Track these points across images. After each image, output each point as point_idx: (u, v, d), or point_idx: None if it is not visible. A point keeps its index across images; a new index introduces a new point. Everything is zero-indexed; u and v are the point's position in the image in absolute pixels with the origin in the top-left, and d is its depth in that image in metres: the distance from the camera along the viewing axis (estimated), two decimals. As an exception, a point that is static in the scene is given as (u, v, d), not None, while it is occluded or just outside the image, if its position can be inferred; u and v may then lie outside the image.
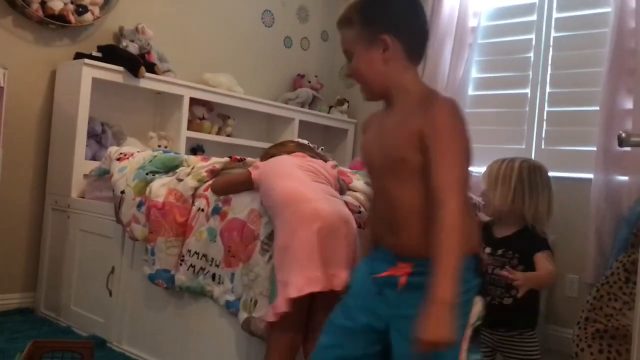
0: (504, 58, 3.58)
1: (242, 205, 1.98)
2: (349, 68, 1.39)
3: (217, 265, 1.99)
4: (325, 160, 2.11)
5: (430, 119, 1.23)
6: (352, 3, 1.38)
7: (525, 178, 1.91)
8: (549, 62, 3.39)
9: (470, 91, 3.68)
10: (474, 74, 3.68)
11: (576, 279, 3.18)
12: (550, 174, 3.32)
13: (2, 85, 2.42)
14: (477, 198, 2.20)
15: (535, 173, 1.94)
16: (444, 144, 1.21)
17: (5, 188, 2.64)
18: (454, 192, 1.18)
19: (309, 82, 4.17)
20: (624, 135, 1.14)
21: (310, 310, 1.70)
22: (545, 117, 3.39)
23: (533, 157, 3.40)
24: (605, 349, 2.77)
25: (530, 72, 3.45)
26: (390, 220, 1.32)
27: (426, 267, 1.17)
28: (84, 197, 2.80)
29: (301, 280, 1.59)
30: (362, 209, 2.08)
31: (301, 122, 3.94)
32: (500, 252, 1.90)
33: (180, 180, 2.19)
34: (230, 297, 1.91)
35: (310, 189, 1.76)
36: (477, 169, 3.51)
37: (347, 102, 4.29)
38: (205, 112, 3.51)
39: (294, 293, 1.58)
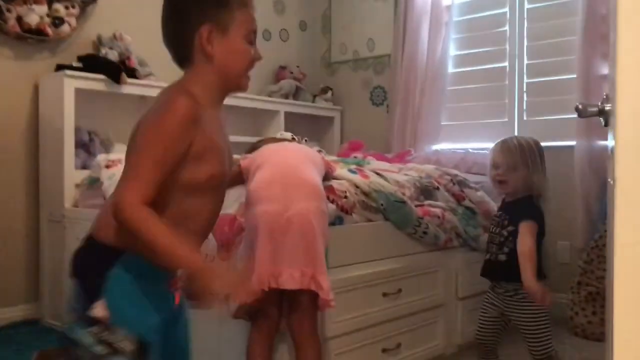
0: (480, 34, 3.63)
1: (230, 200, 2.02)
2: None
3: (211, 260, 2.04)
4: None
5: None
6: None
7: (537, 157, 2.05)
8: (525, 34, 3.44)
9: (450, 69, 3.72)
10: (453, 51, 3.72)
11: (567, 245, 3.25)
12: (534, 144, 3.41)
13: (-15, 103, 2.45)
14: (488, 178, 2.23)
15: (539, 148, 2.08)
16: None
17: (0, 204, 2.69)
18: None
19: (291, 73, 4.21)
20: (581, 107, 1.18)
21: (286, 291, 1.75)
22: (525, 89, 3.44)
23: (516, 128, 3.46)
24: (598, 311, 2.84)
25: (507, 46, 3.50)
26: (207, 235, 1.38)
27: None
28: (77, 207, 2.85)
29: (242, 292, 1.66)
30: (347, 194, 2.13)
31: (286, 113, 3.98)
32: (499, 213, 2.10)
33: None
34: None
35: (274, 185, 1.77)
36: (464, 146, 3.58)
37: (331, 89, 4.33)
38: (191, 112, 3.54)
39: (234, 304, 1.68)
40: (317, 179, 1.86)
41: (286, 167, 1.84)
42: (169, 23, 1.31)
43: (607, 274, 1.20)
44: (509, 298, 2.01)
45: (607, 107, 1.12)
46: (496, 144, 2.11)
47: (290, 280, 1.67)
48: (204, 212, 1.29)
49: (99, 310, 1.15)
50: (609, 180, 1.32)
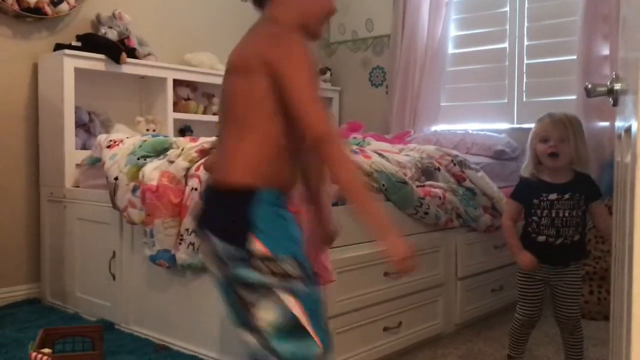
0: (480, 14, 3.62)
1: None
2: None
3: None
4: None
5: None
6: None
7: (581, 130, 2.07)
8: (525, 14, 3.43)
9: (451, 49, 3.71)
10: (453, 32, 3.71)
11: (564, 225, 3.27)
12: (533, 125, 3.42)
13: (-14, 83, 2.44)
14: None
15: (580, 123, 2.09)
16: None
17: (0, 184, 2.69)
18: None
19: (290, 53, 4.18)
20: (590, 86, 1.19)
21: None
22: (525, 70, 3.44)
23: (515, 110, 3.47)
24: (595, 290, 2.88)
25: (507, 26, 3.49)
26: None
27: None
28: (78, 187, 2.85)
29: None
30: (350, 175, 2.14)
31: (286, 94, 3.96)
32: (567, 195, 2.04)
33: (171, 162, 2.24)
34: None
35: None
36: (463, 127, 3.58)
37: (330, 70, 4.32)
38: (190, 92, 3.54)
39: None
40: None
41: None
42: None
43: (616, 252, 1.21)
44: (561, 272, 2.06)
45: (617, 86, 1.13)
46: (543, 118, 2.10)
47: None
48: (299, 137, 1.29)
49: (255, 245, 1.18)
50: (617, 159, 1.33)
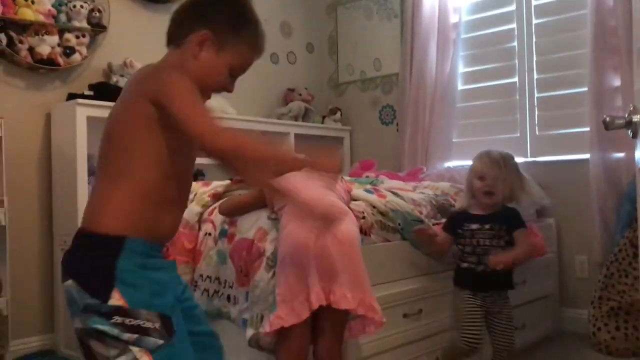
0: (488, 50, 3.63)
1: (248, 225, 2.01)
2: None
3: (230, 287, 2.02)
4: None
5: None
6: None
7: (516, 168, 2.24)
8: (533, 48, 3.43)
9: (460, 86, 3.72)
10: (462, 68, 3.72)
11: (585, 259, 3.21)
12: (547, 158, 3.40)
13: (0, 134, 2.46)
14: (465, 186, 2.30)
15: (514, 161, 2.26)
16: None
17: (13, 234, 2.68)
18: None
19: (300, 95, 4.22)
20: (608, 119, 1.17)
21: (316, 315, 1.72)
22: (536, 104, 3.43)
23: (528, 143, 3.45)
24: (621, 326, 2.79)
25: (516, 61, 3.49)
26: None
27: None
28: (91, 235, 2.83)
29: (283, 310, 1.68)
30: (365, 215, 2.12)
31: (296, 135, 3.98)
32: (488, 226, 2.17)
33: (184, 207, 2.22)
34: (247, 315, 1.94)
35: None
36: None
37: (340, 110, 4.33)
38: (201, 136, 3.55)
39: (275, 324, 1.68)
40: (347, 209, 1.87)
41: (321, 196, 1.83)
42: (187, 6, 1.37)
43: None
44: (496, 300, 2.18)
45: (636, 118, 1.11)
46: (480, 156, 2.24)
47: (343, 300, 1.65)
48: (183, 181, 1.33)
49: (116, 298, 1.15)
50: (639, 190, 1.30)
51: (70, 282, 1.19)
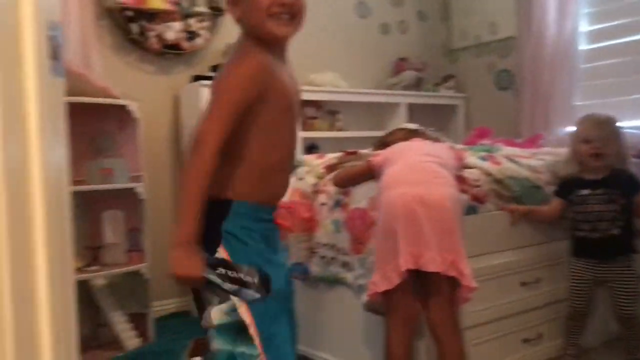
0: (615, 6, 3.38)
1: (361, 195, 2.08)
2: None
3: (345, 254, 2.11)
4: (439, 141, 2.16)
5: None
6: None
7: (620, 131, 2.18)
8: (666, 0, 3.15)
9: (583, 45, 3.50)
10: (585, 26, 3.50)
11: None
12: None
13: (136, 116, 2.70)
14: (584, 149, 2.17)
15: (619, 126, 2.18)
16: None
17: (151, 207, 2.93)
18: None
19: (412, 64, 4.18)
20: None
21: (424, 280, 1.74)
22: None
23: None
24: None
25: (647, 15, 3.23)
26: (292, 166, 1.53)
27: None
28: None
29: (377, 276, 1.73)
30: (479, 183, 2.10)
31: (409, 105, 3.97)
32: (600, 190, 2.10)
33: (301, 179, 2.33)
34: (363, 281, 2.02)
35: (411, 172, 1.81)
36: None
37: (454, 77, 4.25)
38: (315, 111, 3.66)
39: (371, 290, 1.75)
40: (447, 172, 1.86)
41: (417, 162, 1.85)
42: None
43: None
44: (610, 268, 2.10)
45: None
46: (584, 119, 2.21)
47: (431, 262, 1.65)
48: (284, 146, 1.42)
49: (220, 252, 1.32)
50: None
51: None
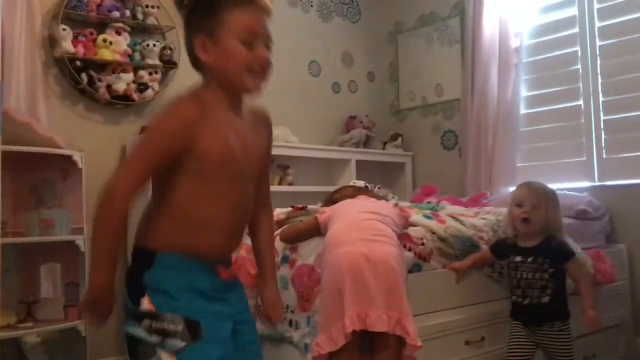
0: (551, 73, 3.58)
1: (309, 251, 2.07)
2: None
3: (292, 312, 2.08)
4: (385, 199, 2.20)
5: (270, 134, 1.51)
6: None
7: (556, 200, 2.24)
8: (598, 71, 3.36)
9: (523, 110, 3.68)
10: (524, 92, 3.69)
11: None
12: (616, 182, 3.30)
13: (80, 166, 2.65)
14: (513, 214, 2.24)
15: (555, 194, 2.25)
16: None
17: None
18: None
19: (361, 122, 4.29)
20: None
21: (370, 335, 1.73)
22: (602, 127, 3.34)
23: (595, 167, 3.36)
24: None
25: (581, 84, 3.43)
26: (242, 225, 1.47)
27: None
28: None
29: (322, 337, 1.73)
30: (424, 241, 2.14)
31: (358, 161, 4.04)
32: (530, 259, 2.14)
33: (247, 234, 2.31)
34: (309, 340, 1.99)
35: (353, 230, 1.83)
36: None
37: (401, 136, 4.36)
38: (266, 165, 3.66)
39: (315, 352, 1.74)
40: (389, 229, 1.89)
41: (359, 220, 1.88)
42: (184, 36, 1.42)
43: None
44: (546, 333, 2.13)
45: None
46: (521, 184, 2.31)
47: (378, 322, 1.66)
48: (219, 200, 1.35)
49: (144, 304, 1.27)
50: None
51: (125, 290, 1.33)
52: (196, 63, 1.38)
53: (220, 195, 1.35)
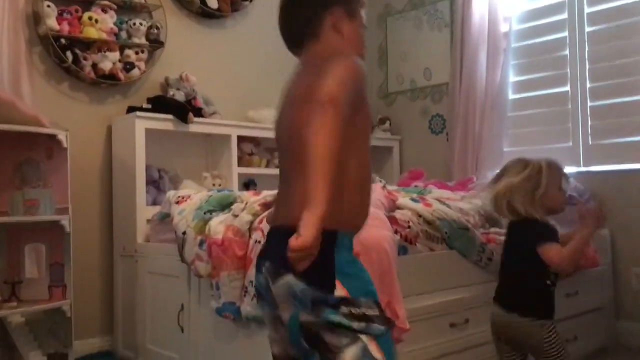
0: (539, 59, 3.59)
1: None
2: None
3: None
4: (373, 182, 2.19)
5: None
6: None
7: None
8: (586, 57, 3.38)
9: (510, 95, 3.69)
10: (512, 77, 3.70)
11: (641, 271, 3.12)
12: (601, 168, 3.32)
13: (65, 146, 2.61)
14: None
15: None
16: None
17: (77, 240, 2.82)
18: None
19: (349, 105, 4.27)
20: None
21: None
22: (589, 113, 3.37)
23: (581, 153, 3.39)
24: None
25: (568, 70, 3.44)
26: None
27: None
28: (149, 241, 2.96)
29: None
30: (410, 224, 2.14)
31: (346, 145, 4.02)
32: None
33: (236, 216, 2.31)
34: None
35: None
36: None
37: (389, 119, 4.36)
38: (253, 147, 3.65)
39: None
40: (381, 213, 1.89)
41: None
42: (299, 3, 1.42)
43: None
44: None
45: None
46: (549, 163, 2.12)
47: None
48: (369, 172, 1.31)
49: (338, 290, 1.17)
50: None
51: (290, 277, 1.18)
52: (309, 32, 1.39)
53: (368, 163, 1.29)
